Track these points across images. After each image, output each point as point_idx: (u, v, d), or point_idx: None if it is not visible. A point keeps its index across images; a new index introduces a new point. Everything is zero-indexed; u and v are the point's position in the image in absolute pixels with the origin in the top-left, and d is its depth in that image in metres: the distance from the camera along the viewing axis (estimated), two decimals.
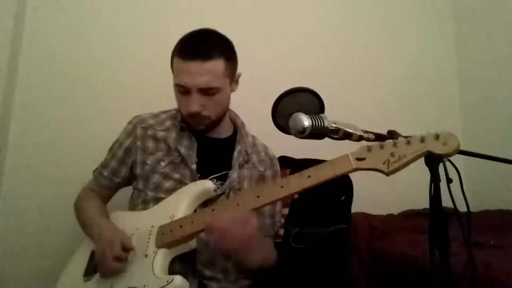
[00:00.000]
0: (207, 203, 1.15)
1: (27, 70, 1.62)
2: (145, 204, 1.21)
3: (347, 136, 0.97)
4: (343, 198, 1.54)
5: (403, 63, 2.23)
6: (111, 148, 1.32)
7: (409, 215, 1.88)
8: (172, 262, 1.07)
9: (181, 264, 1.10)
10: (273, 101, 1.02)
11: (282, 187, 0.99)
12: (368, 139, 0.97)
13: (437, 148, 0.87)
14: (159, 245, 1.06)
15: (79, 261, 1.18)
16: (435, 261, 0.82)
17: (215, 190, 1.16)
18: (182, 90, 1.16)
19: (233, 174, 1.22)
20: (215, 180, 1.20)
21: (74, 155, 1.63)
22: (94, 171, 1.34)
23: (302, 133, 0.95)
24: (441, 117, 2.24)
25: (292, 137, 0.99)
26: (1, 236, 1.54)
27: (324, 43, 2.08)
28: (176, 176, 1.20)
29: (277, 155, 1.41)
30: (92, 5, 1.73)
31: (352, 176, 1.39)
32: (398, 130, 1.00)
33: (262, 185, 1.23)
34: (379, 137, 0.98)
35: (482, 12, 2.23)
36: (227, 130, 1.32)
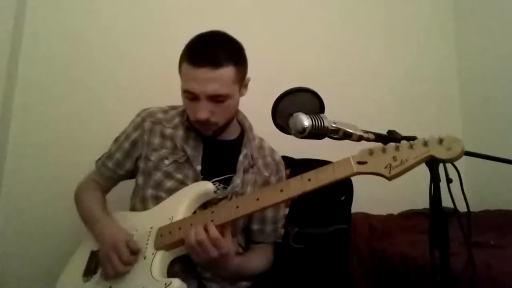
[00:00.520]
0: (207, 205, 1.15)
1: (27, 70, 1.62)
2: (144, 202, 1.20)
3: (347, 136, 0.97)
4: (343, 198, 1.54)
5: (403, 63, 2.23)
6: (116, 139, 1.31)
7: (409, 215, 1.89)
8: (172, 263, 1.06)
9: (181, 265, 1.09)
10: (273, 101, 1.01)
11: (282, 190, 0.98)
12: (368, 139, 0.97)
13: (441, 153, 0.85)
14: (158, 247, 1.05)
15: (79, 262, 1.18)
16: (435, 261, 0.82)
17: (215, 192, 1.15)
18: (190, 97, 1.13)
19: (237, 180, 1.20)
20: (218, 183, 1.19)
21: (74, 155, 1.63)
22: (97, 161, 1.33)
23: (302, 133, 0.95)
24: (441, 117, 2.24)
25: (292, 137, 0.99)
26: (1, 236, 1.54)
27: (324, 43, 2.08)
28: (179, 176, 1.19)
29: None
30: (92, 5, 1.73)
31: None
32: (398, 130, 1.00)
33: (263, 188, 1.22)
34: (379, 137, 0.98)
35: (482, 12, 2.23)
36: (234, 132, 1.30)
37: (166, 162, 1.20)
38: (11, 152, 1.58)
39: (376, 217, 1.82)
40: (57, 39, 1.67)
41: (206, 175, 1.19)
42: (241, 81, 1.19)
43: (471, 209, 0.86)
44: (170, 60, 1.74)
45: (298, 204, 1.41)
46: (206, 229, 0.98)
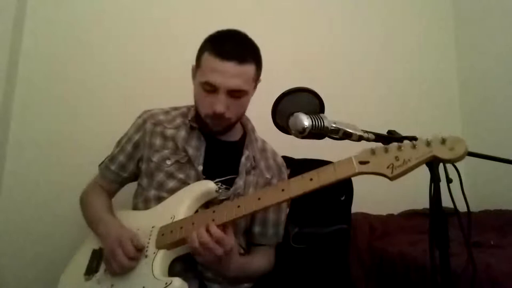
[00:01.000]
0: (208, 205, 1.14)
1: (27, 70, 1.62)
2: (146, 203, 1.20)
3: (347, 136, 0.97)
4: (343, 198, 1.54)
5: (403, 63, 2.24)
6: (119, 142, 1.31)
7: (409, 215, 1.89)
8: (173, 262, 1.06)
9: (182, 265, 1.09)
10: (273, 101, 1.01)
11: (283, 190, 0.98)
12: (368, 139, 0.97)
13: (444, 153, 0.84)
14: (159, 246, 1.05)
15: (81, 260, 1.17)
16: (435, 261, 0.82)
17: (217, 191, 1.14)
18: (209, 89, 1.13)
19: (240, 181, 1.20)
20: (220, 184, 1.19)
21: (74, 155, 1.63)
22: (100, 164, 1.33)
23: (302, 133, 0.95)
24: (441, 117, 2.24)
25: (292, 137, 0.99)
26: (1, 236, 1.54)
27: (324, 43, 2.08)
28: (181, 176, 1.19)
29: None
30: (92, 5, 1.74)
31: None
32: (398, 130, 1.00)
33: (264, 188, 1.21)
34: (379, 137, 0.98)
35: (482, 12, 2.23)
36: (237, 134, 1.30)
37: (168, 162, 1.20)
38: (11, 152, 1.58)
39: (376, 217, 1.82)
40: (57, 39, 1.67)
41: (207, 176, 1.18)
42: (257, 80, 1.22)
43: (471, 209, 0.86)
44: (171, 60, 1.76)
45: (298, 204, 1.41)
46: (207, 230, 0.98)
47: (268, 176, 1.27)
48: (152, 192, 1.19)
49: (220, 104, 1.13)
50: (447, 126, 2.20)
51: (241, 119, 1.31)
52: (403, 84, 2.22)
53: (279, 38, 1.96)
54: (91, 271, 1.12)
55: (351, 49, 2.14)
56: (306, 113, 0.96)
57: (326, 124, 0.95)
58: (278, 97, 1.01)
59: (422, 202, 1.72)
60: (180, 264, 1.09)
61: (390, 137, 0.98)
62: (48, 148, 1.62)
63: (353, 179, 1.53)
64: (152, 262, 1.02)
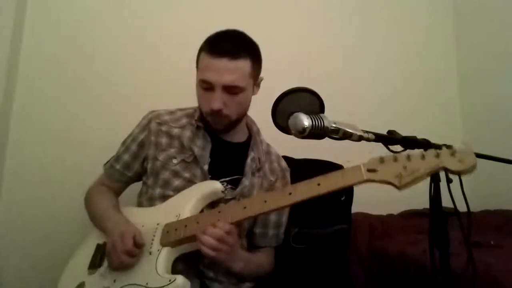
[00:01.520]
0: (213, 205, 1.15)
1: (27, 70, 1.62)
2: (151, 201, 1.20)
3: (347, 136, 0.97)
4: (343, 198, 1.54)
5: (403, 63, 2.23)
6: (124, 142, 1.31)
7: (409, 215, 1.88)
8: (176, 260, 1.07)
9: (184, 264, 1.09)
10: (273, 101, 1.01)
11: (290, 193, 0.98)
12: (368, 139, 0.97)
13: (453, 165, 0.84)
14: (163, 244, 1.06)
15: (84, 254, 1.18)
16: (435, 261, 0.82)
17: (223, 192, 1.15)
18: (206, 86, 1.15)
19: (246, 181, 1.21)
20: (225, 184, 1.19)
21: (74, 155, 1.63)
22: (105, 164, 1.33)
23: (302, 133, 0.94)
24: (441, 117, 2.24)
25: (292, 137, 0.99)
26: (1, 236, 1.54)
27: (325, 43, 2.08)
28: (187, 175, 1.19)
29: None
30: (92, 5, 1.74)
31: None
32: (398, 130, 1.00)
33: (270, 191, 1.21)
34: (379, 137, 0.98)
35: (482, 12, 2.23)
36: (242, 135, 1.30)
37: (174, 161, 1.21)
38: (11, 152, 1.58)
39: (376, 217, 1.82)
40: (57, 39, 1.67)
41: (213, 175, 1.19)
42: (256, 78, 1.22)
43: (471, 209, 0.86)
44: (171, 60, 1.76)
45: (298, 204, 1.41)
46: (215, 226, 1.00)
47: (272, 178, 1.28)
48: (158, 190, 1.20)
49: (216, 101, 1.14)
50: (447, 126, 2.20)
51: (247, 122, 1.32)
52: (403, 84, 2.22)
53: (279, 38, 1.96)
54: (94, 265, 1.13)
55: (351, 49, 2.14)
56: (306, 113, 0.95)
57: (326, 124, 0.95)
58: (278, 97, 1.01)
59: (422, 202, 1.70)
60: (182, 264, 1.09)
61: (390, 137, 0.98)
62: (48, 148, 1.62)
63: None
64: (156, 259, 1.03)
